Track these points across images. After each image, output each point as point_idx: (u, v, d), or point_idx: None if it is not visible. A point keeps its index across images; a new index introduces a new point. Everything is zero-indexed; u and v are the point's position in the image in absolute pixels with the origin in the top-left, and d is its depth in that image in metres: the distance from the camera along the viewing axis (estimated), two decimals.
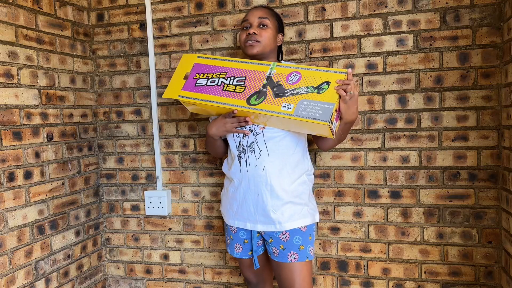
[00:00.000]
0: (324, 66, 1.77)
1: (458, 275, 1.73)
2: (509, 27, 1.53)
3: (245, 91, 1.37)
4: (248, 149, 1.43)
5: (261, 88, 1.36)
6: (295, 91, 1.31)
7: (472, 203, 1.69)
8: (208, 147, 1.62)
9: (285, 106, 1.30)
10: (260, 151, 1.42)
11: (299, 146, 1.47)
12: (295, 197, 1.44)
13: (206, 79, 1.45)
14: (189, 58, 1.53)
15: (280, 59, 1.61)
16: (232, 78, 1.42)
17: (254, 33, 1.44)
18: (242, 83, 1.39)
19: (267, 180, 1.41)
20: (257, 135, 1.43)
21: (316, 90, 1.29)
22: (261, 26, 1.47)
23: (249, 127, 1.44)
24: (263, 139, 1.42)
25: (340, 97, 1.27)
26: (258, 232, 1.48)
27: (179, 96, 1.45)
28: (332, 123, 1.25)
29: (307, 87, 1.30)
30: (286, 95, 1.31)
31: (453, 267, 1.73)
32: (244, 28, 1.49)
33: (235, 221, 1.51)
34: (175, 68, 1.99)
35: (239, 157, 1.46)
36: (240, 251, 1.54)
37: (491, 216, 1.68)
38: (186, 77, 1.49)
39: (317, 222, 1.79)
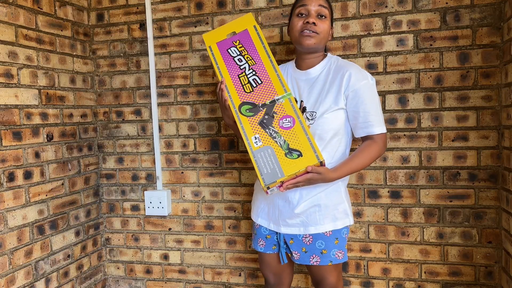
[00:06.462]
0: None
1: (458, 275, 1.73)
2: (509, 27, 1.53)
3: (249, 94, 1.33)
4: None
5: (260, 105, 1.30)
6: (274, 134, 1.26)
7: (472, 203, 1.69)
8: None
9: (255, 138, 1.27)
10: None
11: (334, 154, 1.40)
12: (321, 202, 1.38)
13: (238, 54, 1.39)
14: (250, 20, 1.44)
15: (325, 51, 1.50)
16: (253, 72, 1.35)
17: (314, 23, 1.31)
18: (255, 85, 1.33)
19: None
20: None
21: (287, 151, 1.23)
22: (320, 16, 1.34)
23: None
24: None
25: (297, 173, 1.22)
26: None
27: (209, 47, 1.43)
28: (268, 188, 1.22)
29: (285, 141, 1.24)
30: (266, 130, 1.27)
31: (453, 267, 1.73)
32: (299, 15, 1.35)
33: (258, 218, 1.51)
34: (175, 68, 1.99)
35: None
36: (263, 245, 1.52)
37: (491, 216, 1.68)
38: (230, 35, 1.45)
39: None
